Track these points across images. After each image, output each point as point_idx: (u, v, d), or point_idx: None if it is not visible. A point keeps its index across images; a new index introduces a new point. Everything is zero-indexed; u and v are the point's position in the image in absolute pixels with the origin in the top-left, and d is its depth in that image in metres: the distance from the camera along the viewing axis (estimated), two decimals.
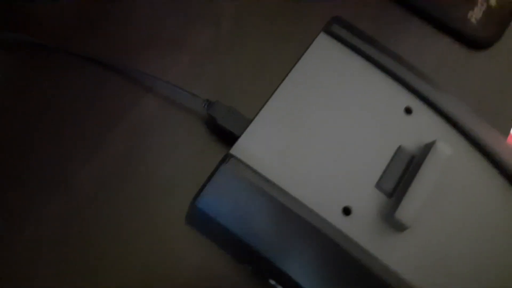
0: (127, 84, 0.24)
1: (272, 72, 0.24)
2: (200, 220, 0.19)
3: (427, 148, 0.18)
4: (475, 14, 0.28)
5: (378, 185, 0.18)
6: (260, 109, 0.19)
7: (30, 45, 0.24)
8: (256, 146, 0.18)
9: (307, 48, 0.20)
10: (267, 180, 0.17)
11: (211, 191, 0.17)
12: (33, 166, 0.22)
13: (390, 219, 0.17)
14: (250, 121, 0.19)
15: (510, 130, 0.26)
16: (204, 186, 0.18)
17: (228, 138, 0.20)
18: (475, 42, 0.27)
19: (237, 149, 0.18)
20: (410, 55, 0.26)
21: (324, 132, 0.18)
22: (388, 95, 0.19)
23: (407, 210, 0.16)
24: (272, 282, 0.20)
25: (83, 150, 0.22)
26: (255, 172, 0.17)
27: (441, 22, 0.27)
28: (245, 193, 0.17)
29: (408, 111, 0.19)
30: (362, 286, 0.16)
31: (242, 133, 0.18)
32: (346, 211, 0.17)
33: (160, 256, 0.21)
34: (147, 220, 0.21)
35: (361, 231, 0.17)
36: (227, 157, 0.17)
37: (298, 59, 0.20)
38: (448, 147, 0.18)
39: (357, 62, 0.20)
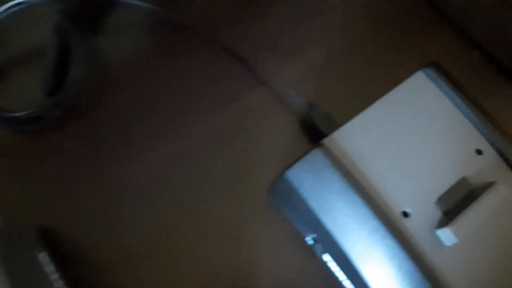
0: (247, 75, 0.29)
1: (366, 94, 0.28)
2: (282, 190, 0.23)
3: (488, 185, 0.21)
4: None
5: (438, 202, 0.21)
6: (351, 119, 0.23)
7: (172, 23, 0.30)
8: (343, 143, 0.22)
9: (405, 80, 0.24)
10: (348, 171, 0.21)
11: (301, 166, 0.22)
12: (160, 116, 0.28)
13: (443, 232, 0.20)
14: (339, 126, 0.23)
15: None
16: (294, 163, 0.22)
17: (316, 138, 0.25)
18: None
19: (328, 141, 0.22)
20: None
21: (403, 148, 0.22)
22: (466, 135, 0.23)
23: (459, 226, 0.20)
24: (327, 258, 0.24)
25: (201, 112, 0.28)
26: (339, 161, 0.21)
27: None
28: (327, 175, 0.21)
29: (479, 152, 0.22)
30: (405, 274, 0.20)
31: (331, 133, 0.23)
32: (406, 214, 0.21)
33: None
34: (235, 181, 0.26)
35: (414, 233, 0.20)
36: (319, 145, 0.22)
37: (394, 87, 0.24)
38: (507, 190, 0.20)
39: (444, 102, 0.23)
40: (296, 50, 0.30)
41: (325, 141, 0.22)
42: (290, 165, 0.23)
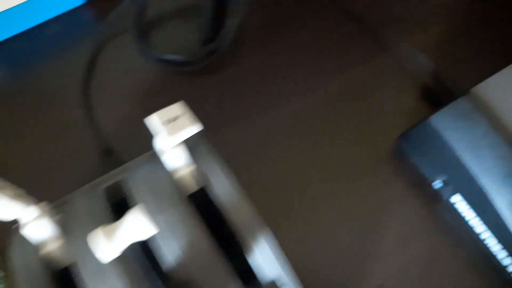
0: (372, 43, 0.33)
1: (491, 63, 0.31)
2: (420, 136, 0.26)
3: None
4: None
5: None
6: (490, 77, 0.26)
7: None
8: (485, 95, 0.25)
9: None
10: (492, 117, 0.24)
11: (447, 111, 0.25)
12: (297, 72, 0.31)
13: None
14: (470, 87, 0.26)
15: None
16: (436, 111, 0.25)
17: (439, 101, 0.27)
18: None
19: (473, 91, 0.25)
20: None
21: None
22: None
23: None
24: (456, 199, 0.26)
25: (331, 71, 0.32)
26: (483, 108, 0.24)
27: None
28: (472, 119, 0.24)
29: None
30: None
31: (462, 94, 0.26)
32: None
33: None
34: (363, 133, 0.30)
35: None
36: (466, 93, 0.25)
37: None
38: None
39: None
40: (420, 22, 0.33)
41: (471, 90, 0.25)
42: (430, 113, 0.26)
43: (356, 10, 0.33)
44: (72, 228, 0.19)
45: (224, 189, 0.20)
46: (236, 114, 0.30)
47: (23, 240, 0.19)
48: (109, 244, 0.16)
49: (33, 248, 0.19)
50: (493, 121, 0.24)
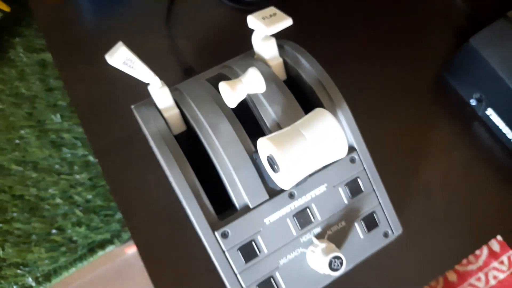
0: None
1: None
2: (462, 57, 0.31)
3: None
4: None
5: None
6: None
7: None
8: None
9: None
10: None
11: (485, 32, 0.30)
12: (355, 15, 0.36)
13: None
14: None
15: None
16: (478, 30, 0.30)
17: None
18: None
19: (508, 15, 0.30)
20: None
21: None
22: None
23: None
24: (490, 112, 0.31)
25: (387, 13, 0.36)
26: None
27: None
28: (508, 38, 0.29)
29: None
30: None
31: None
32: None
33: None
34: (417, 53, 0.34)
35: None
36: (503, 17, 0.30)
37: None
38: None
39: None
40: None
41: (508, 13, 0.30)
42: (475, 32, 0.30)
43: None
44: (187, 100, 0.24)
45: (313, 75, 0.24)
46: (314, 38, 0.35)
47: (150, 104, 0.24)
48: (234, 92, 0.21)
49: (157, 112, 0.24)
50: None
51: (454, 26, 0.36)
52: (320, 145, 0.18)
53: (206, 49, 0.35)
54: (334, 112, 0.24)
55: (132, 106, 0.25)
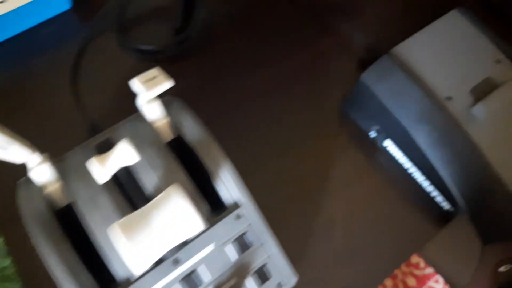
0: (320, 28, 0.39)
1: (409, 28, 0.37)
2: (356, 93, 0.32)
3: (506, 81, 0.30)
4: None
5: (471, 91, 0.30)
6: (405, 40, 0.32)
7: None
8: (403, 53, 0.31)
9: (442, 16, 0.33)
10: (408, 70, 0.30)
11: (373, 69, 0.31)
12: (259, 52, 0.37)
13: (475, 108, 0.29)
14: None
15: None
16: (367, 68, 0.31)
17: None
18: None
19: (392, 51, 0.31)
20: None
21: (445, 57, 0.31)
22: (488, 50, 0.32)
23: (487, 103, 0.28)
24: (387, 143, 0.32)
25: (289, 50, 0.37)
26: (401, 63, 0.30)
27: None
28: (393, 73, 0.30)
29: (498, 61, 0.31)
30: (453, 141, 0.28)
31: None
32: (449, 98, 0.29)
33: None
34: (315, 97, 0.35)
35: (456, 111, 0.29)
36: (387, 53, 0.31)
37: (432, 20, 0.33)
38: None
39: (472, 30, 0.32)
40: (357, 8, 0.40)
41: (390, 51, 0.31)
42: (365, 70, 0.31)
43: (304, 2, 0.40)
44: (69, 172, 0.24)
45: (194, 135, 0.25)
46: (208, 89, 0.36)
47: (29, 182, 0.24)
48: (102, 168, 0.21)
49: (37, 189, 0.24)
50: (408, 73, 0.30)
51: (355, 58, 0.37)
52: (168, 226, 0.18)
53: (113, 103, 0.35)
54: (215, 173, 0.24)
55: (18, 182, 0.25)
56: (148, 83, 0.24)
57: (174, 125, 0.26)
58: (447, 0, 0.40)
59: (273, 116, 0.35)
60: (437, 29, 0.32)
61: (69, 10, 0.38)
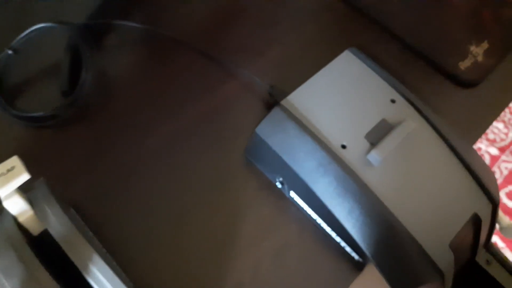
0: (222, 72, 0.37)
1: (308, 69, 0.36)
2: (255, 145, 0.31)
3: (400, 122, 0.29)
4: (464, 64, 0.39)
5: (366, 136, 0.29)
6: (298, 87, 0.31)
7: (159, 37, 0.38)
8: (295, 103, 0.30)
9: (335, 58, 0.32)
10: (300, 121, 0.29)
11: (266, 121, 0.29)
12: (156, 107, 0.35)
13: (370, 155, 0.28)
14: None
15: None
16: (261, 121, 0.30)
17: None
18: (462, 83, 0.39)
19: (284, 103, 0.30)
20: (410, 86, 0.37)
21: (338, 102, 0.30)
22: (383, 90, 0.31)
23: (381, 148, 0.27)
24: (293, 195, 0.31)
25: (188, 100, 0.36)
26: (293, 115, 0.29)
27: (438, 65, 0.39)
28: (285, 125, 0.29)
29: (393, 101, 0.31)
30: (347, 190, 0.27)
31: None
32: (343, 146, 0.28)
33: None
34: (218, 148, 0.34)
35: (351, 160, 0.28)
36: (279, 105, 0.30)
37: (327, 64, 0.33)
38: (413, 123, 0.29)
39: (365, 70, 0.32)
40: (259, 50, 0.39)
41: (282, 102, 0.30)
42: (257, 124, 0.30)
43: (204, 46, 0.38)
44: None
45: (58, 229, 0.23)
46: (100, 157, 0.33)
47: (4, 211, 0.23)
48: None
49: (11, 218, 0.23)
50: (299, 124, 0.29)
51: (260, 103, 0.36)
52: None
53: None
54: (86, 269, 0.22)
55: None
56: (3, 177, 0.22)
57: (40, 218, 0.24)
58: (345, 37, 0.40)
59: (175, 172, 0.33)
60: (330, 72, 0.32)
61: None
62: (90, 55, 0.35)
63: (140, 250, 0.30)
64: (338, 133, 0.29)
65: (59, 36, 0.36)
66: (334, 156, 0.28)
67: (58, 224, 0.23)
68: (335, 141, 0.29)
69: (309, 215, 0.31)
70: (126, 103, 0.36)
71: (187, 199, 0.32)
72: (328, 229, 0.30)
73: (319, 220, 0.30)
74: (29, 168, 0.32)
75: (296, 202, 0.31)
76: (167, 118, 0.35)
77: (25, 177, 0.22)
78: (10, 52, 0.35)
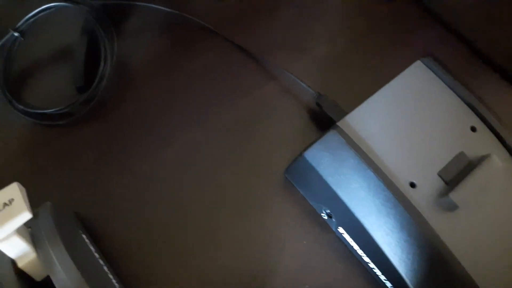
0: (259, 71, 0.32)
1: (367, 84, 0.31)
2: (300, 170, 0.26)
3: (483, 158, 0.24)
4: None
5: (440, 173, 0.24)
6: (359, 105, 0.26)
7: (188, 24, 0.33)
8: (355, 125, 0.25)
9: (404, 69, 0.27)
10: (361, 149, 0.24)
11: (318, 146, 0.24)
12: (182, 109, 0.30)
13: (445, 199, 0.23)
14: (349, 111, 0.26)
15: None
16: (311, 144, 0.25)
17: (325, 125, 0.27)
18: None
19: (341, 124, 0.25)
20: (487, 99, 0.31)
21: (407, 128, 0.25)
22: (461, 114, 0.25)
23: (459, 194, 0.22)
24: (341, 231, 0.26)
25: (219, 104, 0.31)
26: (352, 141, 0.24)
27: None
28: (342, 153, 0.24)
29: (473, 129, 0.25)
30: (413, 237, 0.22)
31: (340, 119, 0.25)
32: (412, 185, 0.23)
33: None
34: (253, 165, 0.29)
35: (421, 202, 0.23)
36: (334, 127, 0.24)
37: (394, 76, 0.27)
38: (499, 161, 0.23)
39: (441, 86, 0.26)
40: (302, 46, 0.33)
41: (339, 124, 0.25)
42: (307, 147, 0.25)
43: (239, 39, 0.32)
44: None
45: (63, 278, 0.18)
46: (117, 162, 0.29)
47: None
48: None
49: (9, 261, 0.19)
50: (360, 153, 0.24)
51: (303, 111, 0.31)
52: None
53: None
54: None
55: None
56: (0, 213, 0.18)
57: (43, 262, 0.19)
58: (403, 35, 0.34)
59: (200, 190, 0.28)
60: (397, 88, 0.26)
61: None
62: (110, 43, 0.30)
63: (166, 280, 0.26)
64: (407, 168, 0.24)
65: (73, 18, 0.30)
66: (401, 197, 0.23)
67: (63, 273, 0.19)
68: (402, 178, 0.24)
69: (359, 256, 0.26)
70: (145, 102, 0.30)
71: (213, 223, 0.27)
72: (382, 277, 0.26)
73: (372, 265, 0.26)
74: (33, 175, 0.28)
75: (344, 238, 0.27)
76: (191, 122, 0.30)
77: (25, 216, 0.18)
78: (16, 34, 0.29)
